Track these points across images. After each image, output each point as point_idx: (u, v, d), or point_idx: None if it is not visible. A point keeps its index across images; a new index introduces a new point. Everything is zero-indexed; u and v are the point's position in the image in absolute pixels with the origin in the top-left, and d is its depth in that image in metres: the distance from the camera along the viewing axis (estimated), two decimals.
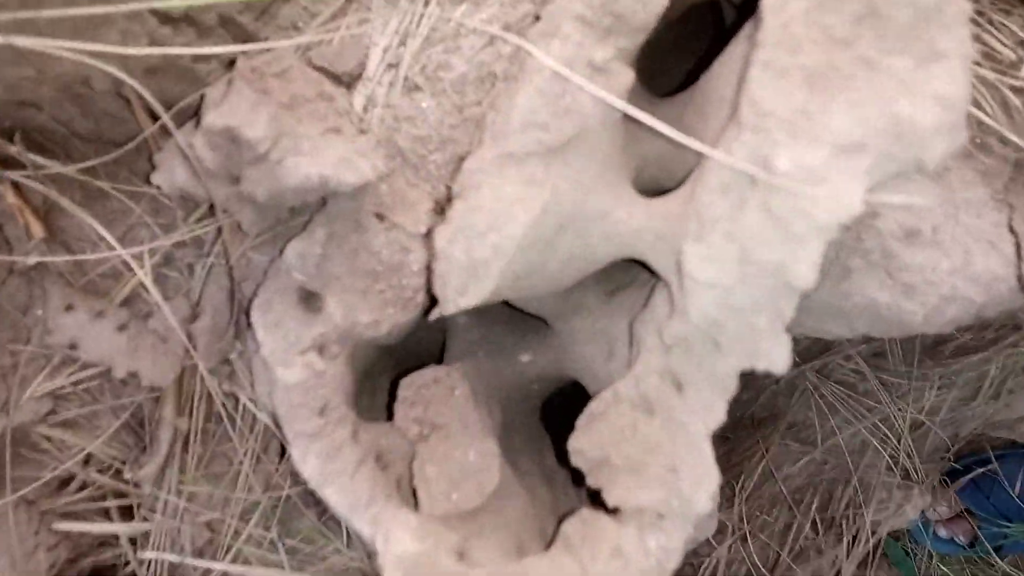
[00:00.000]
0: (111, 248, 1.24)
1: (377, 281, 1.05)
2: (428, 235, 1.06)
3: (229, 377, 1.34)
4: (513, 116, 0.79)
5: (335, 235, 1.06)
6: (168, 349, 1.26)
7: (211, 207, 1.23)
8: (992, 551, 2.48)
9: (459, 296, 0.78)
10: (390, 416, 1.15)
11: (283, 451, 1.42)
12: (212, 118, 0.90)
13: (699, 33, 1.27)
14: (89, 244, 1.26)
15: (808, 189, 0.64)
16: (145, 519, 1.40)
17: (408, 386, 1.03)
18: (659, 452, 0.85)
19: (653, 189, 0.91)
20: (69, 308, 1.22)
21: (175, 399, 1.34)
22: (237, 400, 1.37)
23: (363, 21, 1.13)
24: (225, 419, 1.37)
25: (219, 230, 1.25)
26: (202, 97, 1.10)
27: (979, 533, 2.50)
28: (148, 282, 1.25)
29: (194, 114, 1.14)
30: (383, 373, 1.31)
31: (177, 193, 1.12)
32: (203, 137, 0.97)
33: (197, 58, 1.12)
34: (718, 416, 0.84)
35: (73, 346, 1.23)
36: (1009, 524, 2.41)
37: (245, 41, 1.15)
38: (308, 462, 1.01)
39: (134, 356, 1.23)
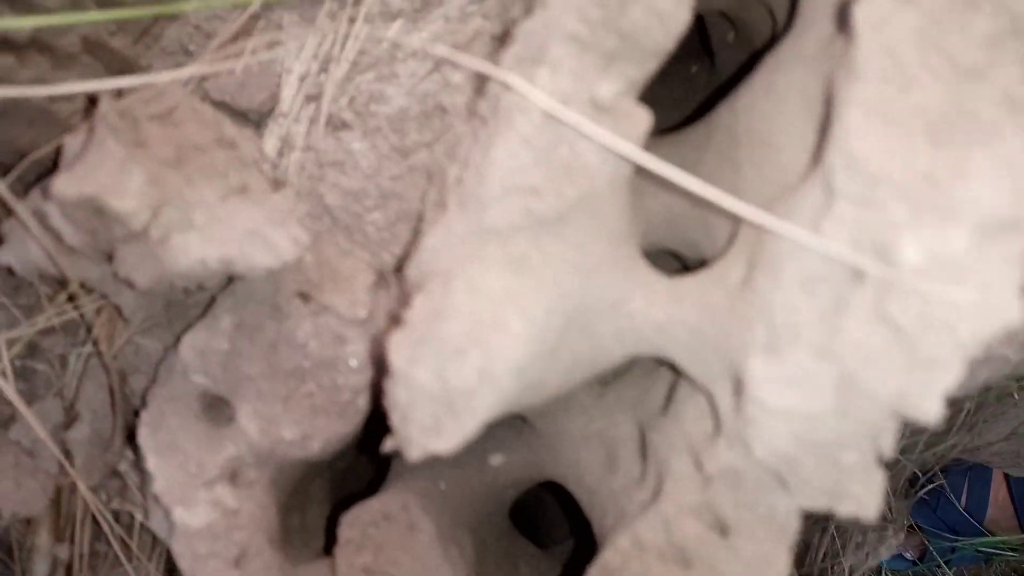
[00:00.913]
0: None
1: (304, 382, 0.81)
2: (368, 320, 0.82)
3: (120, 493, 1.07)
4: (491, 176, 0.56)
5: (245, 324, 0.81)
6: (36, 466, 0.98)
7: (82, 284, 0.96)
8: (942, 564, 2.45)
9: (430, 436, 0.54)
10: (329, 542, 0.90)
11: None
12: (64, 184, 0.64)
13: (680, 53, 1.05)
14: None
15: (945, 289, 0.43)
16: None
17: (352, 524, 0.78)
18: None
19: (658, 257, 0.70)
20: None
21: (51, 522, 1.06)
22: (132, 519, 1.10)
23: (273, 43, 0.88)
24: (114, 541, 1.10)
25: (95, 312, 0.99)
26: (59, 149, 0.83)
27: (928, 547, 2.47)
28: (6, 382, 0.97)
29: (53, 167, 0.87)
30: (315, 479, 1.06)
31: (33, 273, 0.85)
32: (59, 209, 0.71)
33: (55, 97, 0.86)
34: (779, 570, 0.62)
35: None
36: (957, 537, 2.39)
37: (120, 72, 0.88)
38: None
39: None
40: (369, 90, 0.87)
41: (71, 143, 0.77)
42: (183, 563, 0.77)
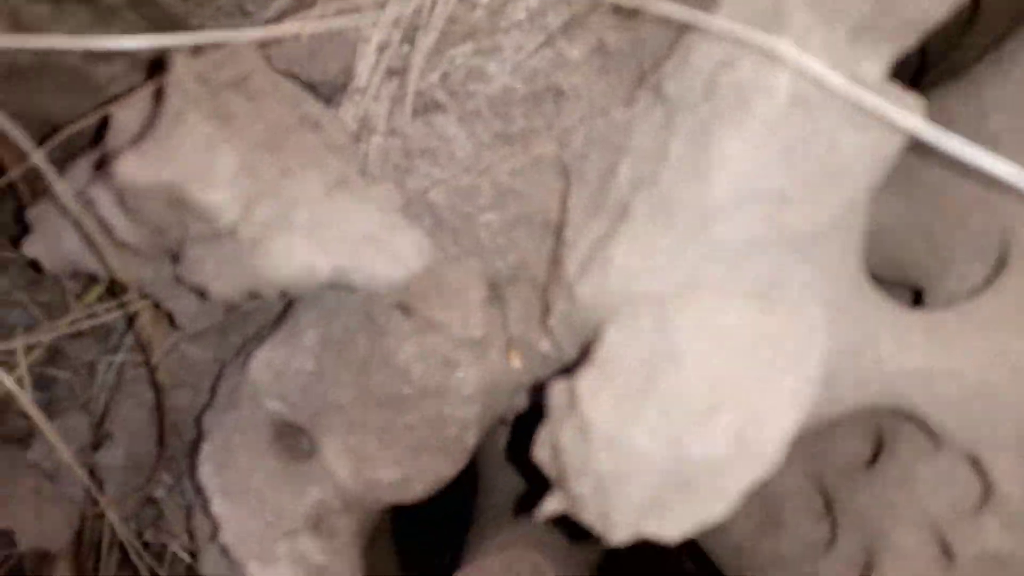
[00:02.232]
0: None
1: (403, 413, 0.66)
2: (482, 343, 0.67)
3: (154, 522, 0.92)
4: (719, 178, 0.42)
5: (333, 340, 0.67)
6: (59, 492, 0.84)
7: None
8: None
9: (649, 519, 0.41)
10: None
11: None
12: (134, 167, 0.49)
13: None
14: None
15: None
16: None
17: None
18: None
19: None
20: None
21: (71, 556, 0.91)
22: (164, 550, 0.95)
23: (343, 9, 0.72)
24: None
25: (133, 316, 0.83)
26: (104, 121, 0.68)
27: None
28: (23, 396, 0.82)
29: (90, 143, 0.72)
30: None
31: (65, 270, 0.70)
32: (114, 195, 0.56)
33: (92, 57, 0.70)
34: None
35: None
36: None
37: (167, 29, 0.72)
38: None
39: (5, 508, 0.81)
40: (465, 65, 0.71)
41: (123, 115, 0.62)
42: None
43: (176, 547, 0.94)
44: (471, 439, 0.68)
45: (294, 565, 0.63)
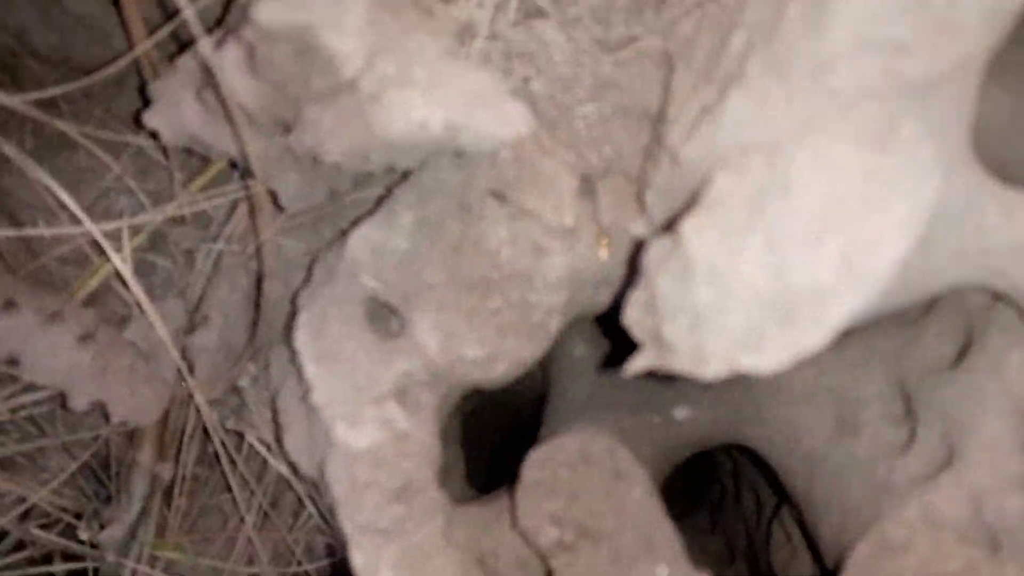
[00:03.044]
0: (75, 221, 0.85)
1: (489, 296, 0.69)
2: (573, 231, 0.69)
3: (236, 411, 0.96)
4: (837, 25, 0.43)
5: (429, 222, 0.69)
6: (153, 372, 0.87)
7: (231, 165, 0.85)
8: None
9: (745, 350, 0.42)
10: (486, 484, 0.79)
11: (298, 509, 1.05)
12: (271, 10, 0.52)
13: None
14: (43, 213, 0.87)
15: None
16: None
17: (542, 465, 0.67)
18: None
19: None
20: (9, 306, 0.83)
21: (156, 438, 0.95)
22: (241, 439, 0.99)
23: None
24: (224, 464, 0.99)
25: (238, 203, 0.87)
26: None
27: None
28: (127, 272, 0.86)
29: (217, 22, 0.76)
30: (450, 439, 0.94)
31: (183, 141, 0.74)
32: (243, 51, 0.59)
33: None
34: None
35: (12, 360, 0.84)
36: None
37: None
38: (381, 573, 0.64)
39: (101, 380, 0.85)
40: None
41: None
42: (338, 489, 0.65)
43: (254, 438, 0.97)
44: (554, 326, 0.69)
45: (380, 428, 0.66)
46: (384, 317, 0.74)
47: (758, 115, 0.47)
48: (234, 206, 0.88)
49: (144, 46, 0.73)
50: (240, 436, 0.99)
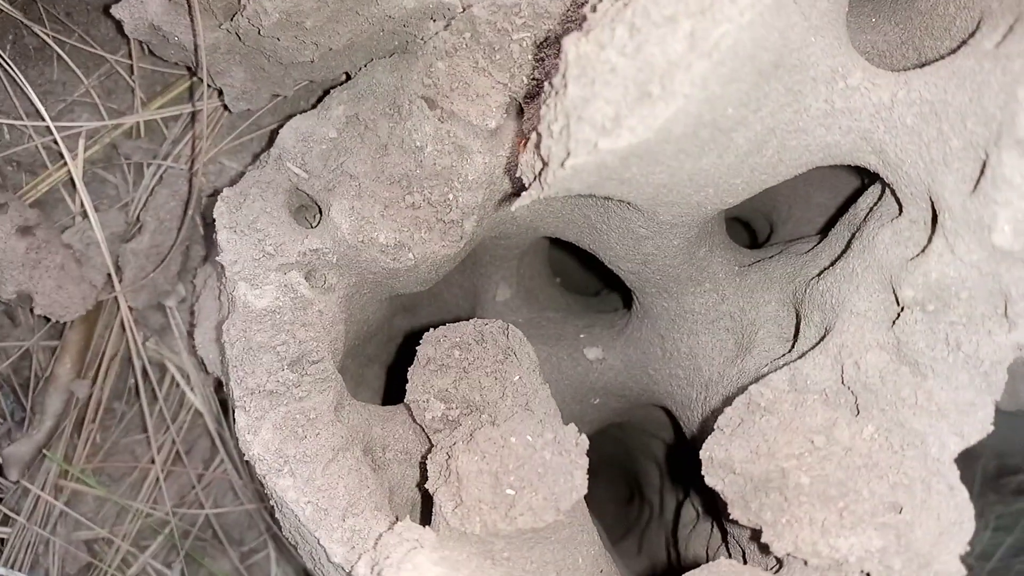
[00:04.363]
0: (39, 119, 0.89)
1: (410, 190, 0.71)
2: (497, 133, 0.73)
3: (159, 333, 0.96)
4: None
5: (360, 118, 0.73)
6: (82, 274, 0.89)
7: (189, 92, 0.89)
8: None
9: (607, 134, 0.44)
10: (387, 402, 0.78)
11: (212, 455, 1.03)
12: None
13: None
14: (6, 112, 0.91)
15: None
16: (2, 521, 0.98)
17: (435, 342, 0.67)
18: (873, 475, 0.50)
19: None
20: None
21: (78, 352, 0.95)
22: (164, 373, 0.99)
23: None
24: (141, 393, 0.98)
25: (187, 120, 0.91)
26: None
27: None
28: (78, 172, 0.89)
29: None
30: (374, 361, 0.95)
31: (143, 32, 0.78)
32: None
33: None
34: (980, 425, 0.50)
35: None
36: None
37: None
38: (261, 434, 0.63)
39: (31, 271, 0.86)
40: None
41: None
42: (232, 352, 0.66)
43: (173, 367, 0.97)
44: (468, 226, 0.71)
45: (282, 292, 0.67)
46: (305, 209, 0.76)
47: None
48: (186, 128, 0.92)
49: None
50: (162, 368, 0.99)
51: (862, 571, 0.49)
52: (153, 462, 1.01)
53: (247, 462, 0.66)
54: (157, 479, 1.01)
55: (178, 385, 0.98)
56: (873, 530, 0.48)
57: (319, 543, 0.60)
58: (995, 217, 0.45)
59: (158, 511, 1.01)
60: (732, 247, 0.75)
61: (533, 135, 0.53)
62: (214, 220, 0.71)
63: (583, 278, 1.14)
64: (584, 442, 0.54)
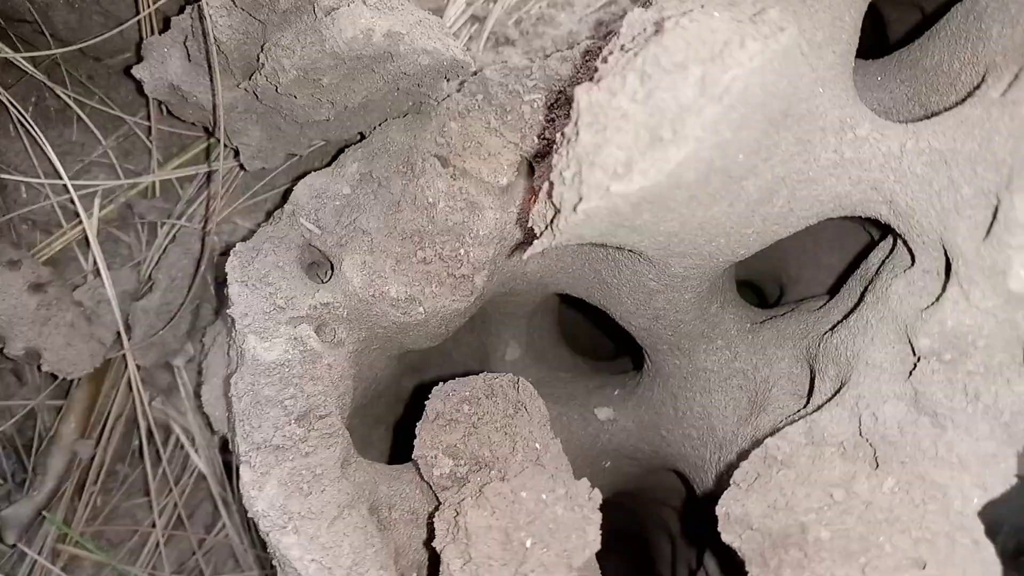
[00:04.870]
0: (56, 177, 0.90)
1: (422, 246, 0.71)
2: (508, 190, 0.73)
3: (166, 393, 0.96)
4: None
5: (373, 176, 0.74)
6: (91, 332, 0.89)
7: (206, 153, 0.90)
8: None
9: (619, 178, 0.44)
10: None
11: (214, 519, 1.01)
12: None
13: None
14: (24, 172, 0.92)
15: None
16: None
17: (444, 397, 0.66)
18: (895, 529, 0.48)
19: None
20: None
21: (83, 411, 0.94)
22: (169, 435, 0.98)
23: None
24: (145, 455, 0.97)
25: (200, 180, 0.92)
26: None
27: None
28: (92, 231, 0.90)
29: None
30: (380, 422, 0.93)
31: (163, 92, 0.79)
32: None
33: None
34: (1002, 477, 0.48)
35: None
36: None
37: None
38: (266, 490, 0.62)
39: (41, 328, 0.86)
40: (539, 14, 0.84)
41: None
42: (239, 406, 0.65)
43: (178, 428, 0.96)
44: (480, 280, 0.71)
45: (291, 345, 0.66)
46: (317, 266, 0.76)
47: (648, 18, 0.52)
48: (201, 188, 0.93)
49: (147, 11, 0.81)
50: (167, 430, 0.98)
51: None
52: (154, 526, 0.99)
53: (250, 525, 0.64)
54: (157, 544, 0.99)
55: (182, 447, 0.96)
56: None
57: None
58: (1010, 262, 0.45)
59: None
60: (744, 305, 0.75)
61: (545, 184, 0.54)
62: (226, 277, 0.71)
63: (594, 343, 1.13)
64: (597, 497, 0.53)
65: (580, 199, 0.47)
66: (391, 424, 0.93)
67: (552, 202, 0.51)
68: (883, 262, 0.60)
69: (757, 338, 0.70)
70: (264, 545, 0.66)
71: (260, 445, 0.64)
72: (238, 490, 0.65)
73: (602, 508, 0.57)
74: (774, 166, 0.51)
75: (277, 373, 0.66)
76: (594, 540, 0.50)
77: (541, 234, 0.54)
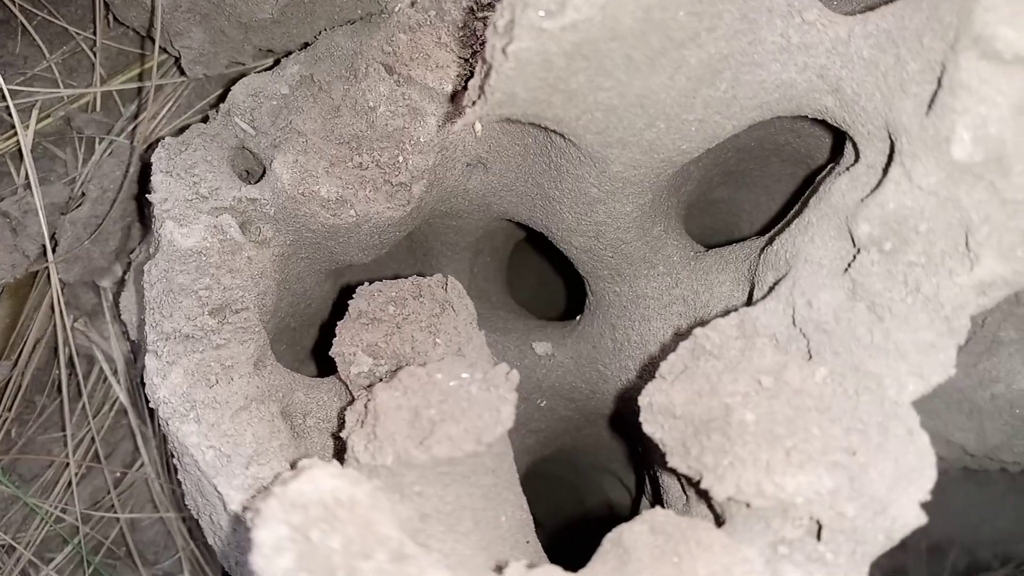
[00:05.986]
0: None
1: (359, 151, 0.69)
2: (454, 98, 0.71)
3: (90, 315, 0.91)
4: None
5: (314, 79, 0.71)
6: (16, 243, 0.85)
7: (153, 57, 0.87)
8: None
9: (550, 14, 0.42)
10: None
11: (133, 458, 0.96)
12: None
13: None
14: None
15: None
16: None
17: (369, 296, 0.63)
18: (826, 418, 0.45)
19: None
20: None
21: (2, 330, 0.90)
22: (92, 365, 0.93)
23: None
24: (63, 383, 0.92)
25: (145, 104, 0.89)
26: None
27: None
28: (26, 142, 0.86)
29: None
30: (312, 357, 0.89)
31: None
32: None
33: None
34: (941, 368, 0.46)
35: None
36: None
37: None
38: (170, 378, 0.58)
39: None
40: None
41: None
42: (151, 294, 0.61)
43: (101, 357, 0.92)
44: (417, 190, 0.68)
45: (210, 231, 0.63)
46: (248, 166, 0.73)
47: None
48: (143, 105, 0.90)
49: None
50: (89, 362, 0.93)
51: (811, 517, 0.44)
52: (69, 460, 0.94)
53: (169, 464, 0.60)
54: (70, 481, 0.94)
55: (105, 379, 0.92)
56: (823, 470, 0.43)
57: (216, 491, 0.54)
58: (953, 127, 0.43)
59: (68, 516, 0.93)
60: (688, 237, 0.72)
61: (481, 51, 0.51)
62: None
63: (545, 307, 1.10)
64: (515, 376, 0.49)
65: (511, 40, 0.45)
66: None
67: (484, 59, 0.49)
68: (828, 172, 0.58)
69: (699, 264, 0.68)
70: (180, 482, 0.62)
71: (169, 335, 0.60)
72: (157, 425, 0.61)
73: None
74: (717, 39, 0.49)
75: (193, 261, 0.62)
76: (507, 418, 0.47)
77: (474, 103, 0.52)
